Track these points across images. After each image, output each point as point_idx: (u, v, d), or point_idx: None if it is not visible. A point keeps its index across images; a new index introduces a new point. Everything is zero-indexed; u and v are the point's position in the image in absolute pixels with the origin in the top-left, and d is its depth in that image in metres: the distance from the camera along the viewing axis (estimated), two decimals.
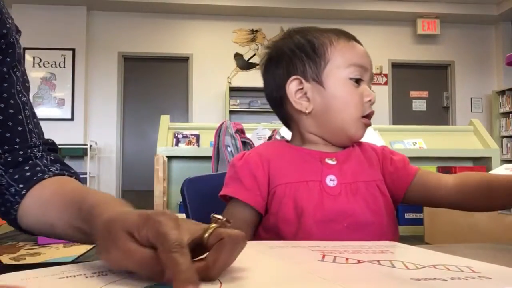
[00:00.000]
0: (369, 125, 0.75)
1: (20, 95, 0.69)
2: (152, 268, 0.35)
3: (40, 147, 0.71)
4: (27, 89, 0.72)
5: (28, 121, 0.70)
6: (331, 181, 0.70)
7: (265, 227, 0.71)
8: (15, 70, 0.69)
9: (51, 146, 0.73)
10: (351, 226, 0.68)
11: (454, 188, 0.72)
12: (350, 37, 0.76)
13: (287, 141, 0.80)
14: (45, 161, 0.69)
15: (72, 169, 0.72)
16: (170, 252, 0.33)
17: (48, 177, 0.66)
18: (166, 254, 0.33)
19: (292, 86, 0.74)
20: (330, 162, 0.72)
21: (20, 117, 0.68)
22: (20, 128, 0.68)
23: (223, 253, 0.36)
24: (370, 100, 0.73)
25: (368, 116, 0.74)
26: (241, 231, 0.38)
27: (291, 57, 0.75)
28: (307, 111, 0.74)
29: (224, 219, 0.39)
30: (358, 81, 0.73)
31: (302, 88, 0.74)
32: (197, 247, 0.37)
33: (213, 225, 0.38)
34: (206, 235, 0.37)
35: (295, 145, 0.77)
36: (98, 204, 0.49)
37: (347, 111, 0.72)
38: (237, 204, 0.71)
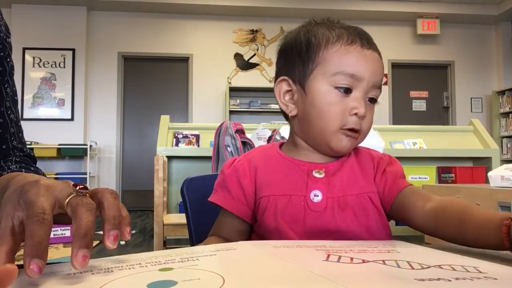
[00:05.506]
0: (354, 137, 0.67)
1: (9, 112, 0.71)
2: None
3: (16, 157, 0.72)
4: (16, 103, 0.73)
5: (13, 138, 0.72)
6: (315, 196, 0.66)
7: (256, 234, 0.70)
8: (6, 86, 0.70)
9: (28, 158, 0.74)
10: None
11: (429, 215, 0.63)
12: (356, 40, 0.67)
13: (281, 145, 0.76)
14: (9, 163, 0.71)
15: (33, 168, 0.72)
16: (31, 221, 0.36)
17: (6, 173, 0.66)
18: (28, 222, 0.36)
19: (280, 87, 0.72)
20: (316, 175, 0.68)
21: (6, 135, 0.71)
22: (4, 147, 0.71)
23: (76, 221, 0.38)
24: (356, 114, 0.65)
25: (354, 130, 0.67)
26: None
27: (288, 54, 0.72)
28: (290, 114, 0.71)
29: (79, 188, 0.42)
30: (348, 90, 0.66)
31: (291, 90, 0.71)
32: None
33: (71, 195, 0.41)
34: (66, 202, 0.40)
35: (287, 151, 0.73)
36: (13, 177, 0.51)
37: (323, 122, 0.66)
38: (227, 212, 0.70)
